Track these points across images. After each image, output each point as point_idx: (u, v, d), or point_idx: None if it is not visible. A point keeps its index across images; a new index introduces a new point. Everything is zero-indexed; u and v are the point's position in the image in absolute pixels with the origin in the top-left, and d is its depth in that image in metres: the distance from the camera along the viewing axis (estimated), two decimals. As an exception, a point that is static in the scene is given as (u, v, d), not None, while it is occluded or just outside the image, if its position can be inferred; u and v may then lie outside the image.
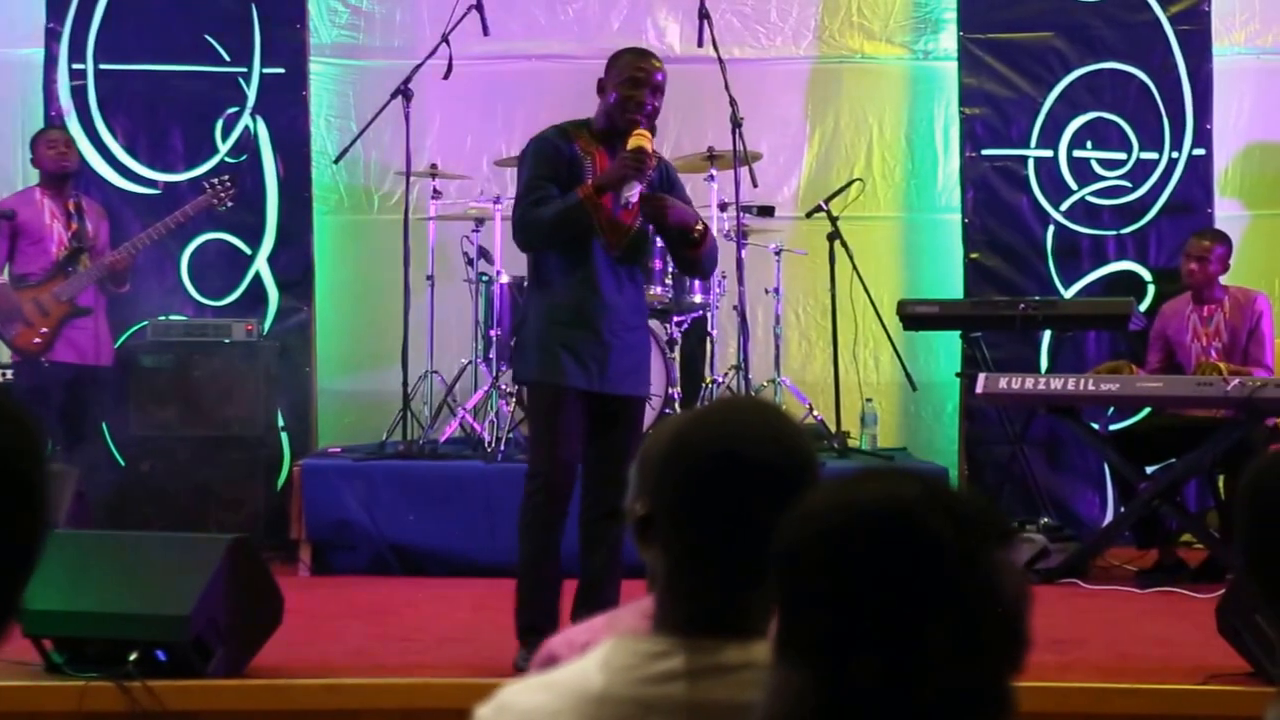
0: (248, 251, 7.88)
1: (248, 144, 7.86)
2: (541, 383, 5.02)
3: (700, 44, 7.26)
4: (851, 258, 7.53)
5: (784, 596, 1.42)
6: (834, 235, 7.60)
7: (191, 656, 4.51)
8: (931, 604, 1.35)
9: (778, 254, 7.73)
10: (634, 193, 4.91)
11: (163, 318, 7.63)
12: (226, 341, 7.43)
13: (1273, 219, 8.17)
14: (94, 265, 7.15)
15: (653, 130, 5.06)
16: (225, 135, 7.86)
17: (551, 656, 2.18)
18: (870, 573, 1.37)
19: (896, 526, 1.38)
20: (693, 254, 5.11)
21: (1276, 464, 1.86)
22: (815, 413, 7.54)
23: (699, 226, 5.05)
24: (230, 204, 7.44)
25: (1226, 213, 7.98)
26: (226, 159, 7.84)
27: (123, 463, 7.51)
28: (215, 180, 7.45)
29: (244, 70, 7.88)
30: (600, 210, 4.95)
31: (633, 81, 4.98)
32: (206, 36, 7.86)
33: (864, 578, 1.37)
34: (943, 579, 1.36)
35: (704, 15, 7.36)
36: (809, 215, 7.76)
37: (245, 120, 7.87)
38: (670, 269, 6.87)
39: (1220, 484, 7.00)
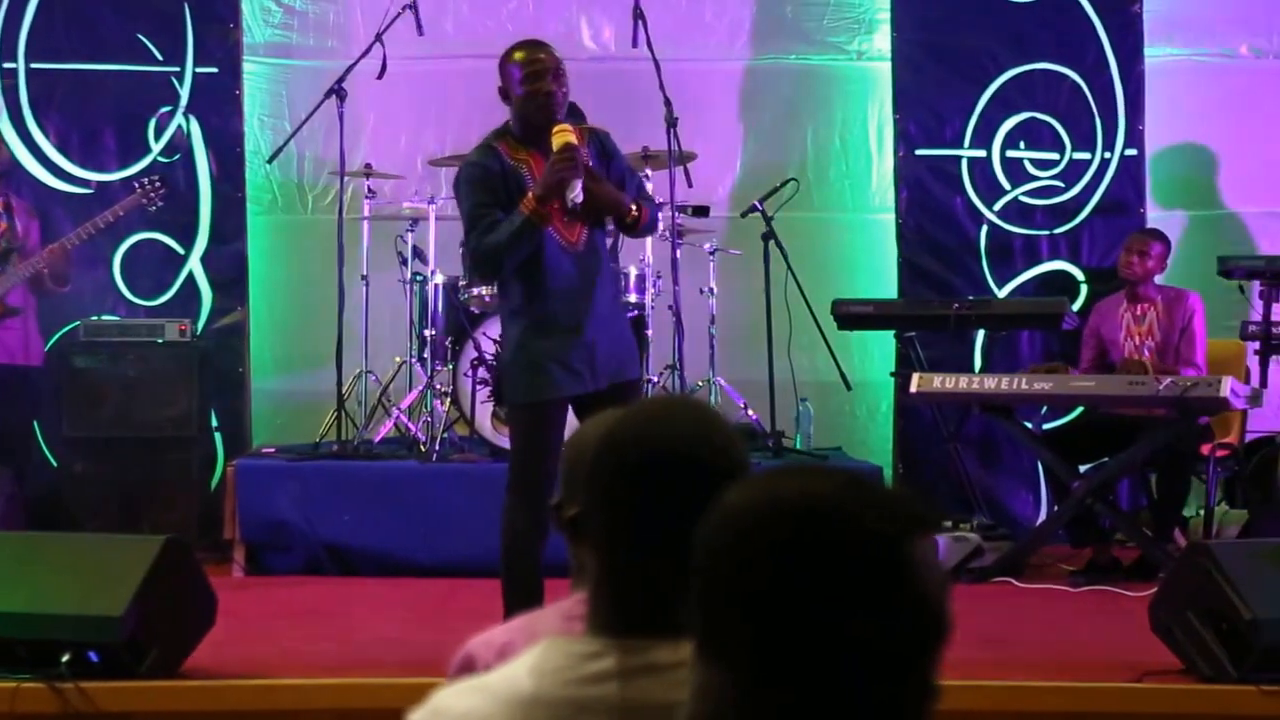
0: (181, 251, 7.83)
1: (181, 143, 7.81)
2: (529, 403, 4.95)
3: (635, 44, 7.26)
4: (786, 257, 7.55)
5: (704, 597, 1.41)
6: (769, 235, 7.61)
7: (124, 657, 4.48)
8: (854, 599, 1.36)
9: (713, 254, 7.74)
10: (577, 192, 4.83)
11: (95, 318, 7.57)
12: (159, 341, 7.38)
13: (1204, 219, 8.25)
14: (23, 265, 7.08)
15: (577, 114, 4.99)
16: (158, 134, 7.81)
17: (469, 659, 2.18)
18: (792, 571, 1.36)
19: (817, 523, 1.37)
20: (631, 232, 5.10)
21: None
22: (750, 412, 7.55)
23: (634, 211, 4.98)
24: (160, 204, 7.39)
25: (1158, 212, 8.05)
26: (159, 158, 7.78)
27: (55, 464, 7.45)
28: (145, 180, 7.40)
29: (177, 69, 7.82)
30: (550, 217, 4.88)
31: (532, 76, 4.87)
32: (139, 36, 7.80)
33: (786, 576, 1.36)
34: (865, 573, 1.36)
35: (638, 16, 7.36)
36: (744, 215, 7.77)
37: (178, 119, 7.82)
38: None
39: (1153, 482, 7.06)
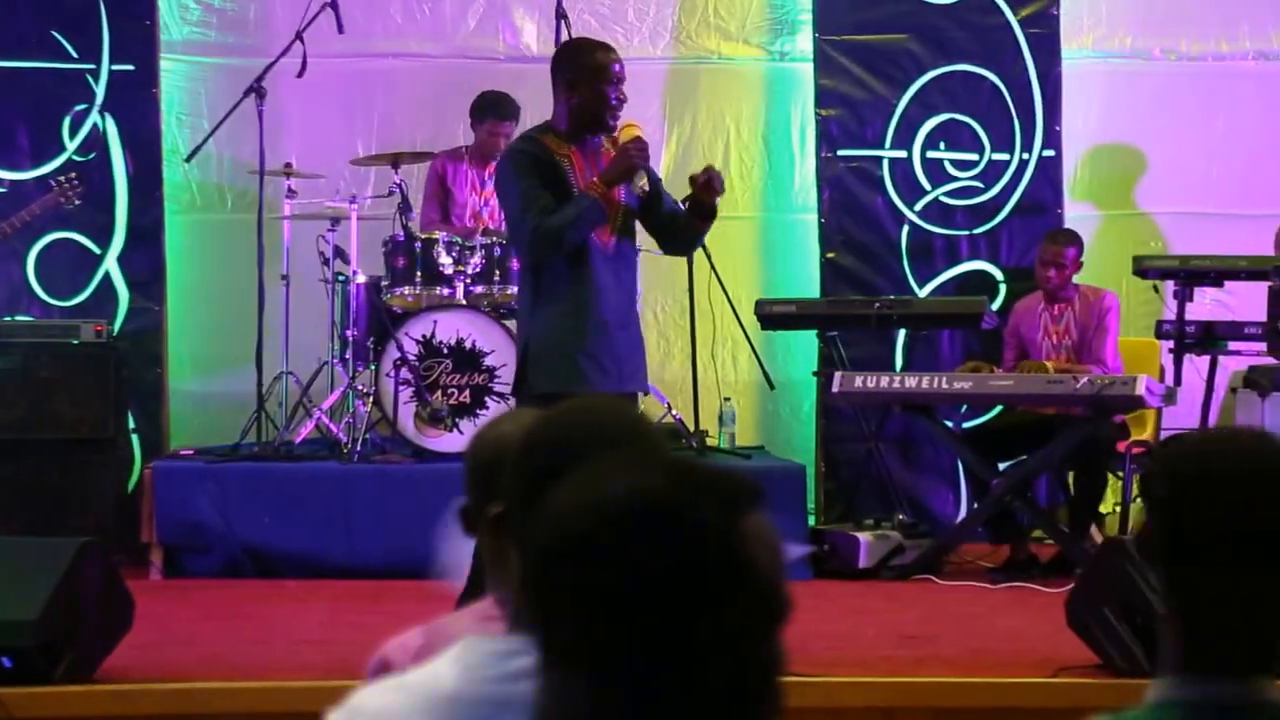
0: (97, 251, 7.74)
1: (96, 142, 7.72)
2: (561, 394, 4.95)
3: (558, 44, 7.25)
4: (709, 258, 7.56)
5: (539, 601, 1.40)
6: (692, 235, 7.62)
7: (38, 662, 4.42)
8: (689, 592, 1.35)
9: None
10: (645, 182, 5.08)
11: (8, 318, 7.48)
12: (75, 342, 7.28)
13: (1120, 219, 8.34)
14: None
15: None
16: (73, 133, 7.71)
17: (385, 663, 2.17)
18: (624, 571, 1.35)
19: (645, 521, 1.36)
20: (705, 225, 5.32)
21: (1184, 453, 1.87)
22: (674, 412, 7.56)
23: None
24: (78, 202, 7.31)
25: (1076, 213, 8.13)
26: (74, 157, 7.69)
27: (-33, 466, 7.35)
28: (62, 178, 7.31)
29: (92, 67, 7.73)
30: (615, 204, 5.07)
31: (614, 79, 5.05)
32: (53, 32, 7.70)
33: (618, 576, 1.35)
34: (698, 566, 1.35)
35: (561, 15, 7.39)
36: (666, 215, 7.76)
37: (94, 118, 7.72)
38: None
39: (1070, 480, 7.13)
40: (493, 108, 7.59)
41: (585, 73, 5.05)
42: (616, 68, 5.07)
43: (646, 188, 5.08)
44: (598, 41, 5.32)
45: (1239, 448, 1.79)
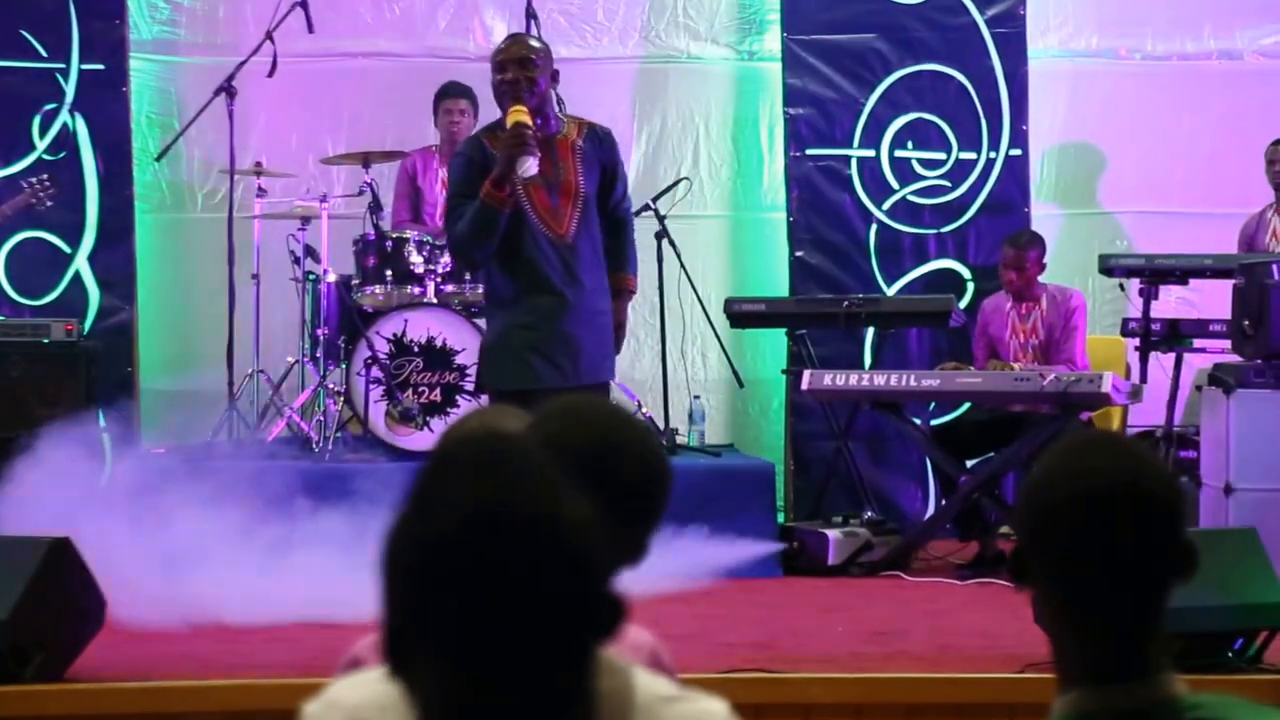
0: (67, 250, 7.74)
1: (66, 141, 7.72)
2: (508, 391, 4.99)
3: (527, 43, 7.23)
4: (679, 256, 7.60)
5: (399, 607, 1.42)
6: (662, 234, 7.66)
7: (9, 662, 4.42)
8: (526, 586, 1.38)
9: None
10: (528, 168, 5.00)
11: (-21, 318, 7.47)
12: (46, 341, 7.27)
13: (1086, 218, 8.40)
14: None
15: (544, 98, 5.18)
16: (43, 132, 7.71)
17: (356, 662, 2.18)
18: (468, 578, 1.38)
19: (478, 526, 1.39)
20: None
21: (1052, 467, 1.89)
22: (644, 410, 7.59)
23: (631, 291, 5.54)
24: (50, 203, 7.31)
25: (1042, 212, 8.18)
26: (44, 156, 7.69)
27: (-62, 466, 7.33)
28: (34, 179, 7.31)
29: (62, 66, 7.73)
30: (532, 199, 5.09)
31: (498, 68, 5.14)
32: (22, 31, 7.70)
33: (461, 584, 1.38)
34: (529, 563, 1.38)
35: (531, 14, 7.41)
36: (636, 214, 7.76)
37: (64, 117, 7.72)
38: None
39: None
40: (442, 92, 7.68)
41: (491, 66, 5.20)
42: (503, 54, 5.16)
43: (531, 172, 5.02)
44: (510, 35, 5.52)
45: (1092, 465, 1.83)
